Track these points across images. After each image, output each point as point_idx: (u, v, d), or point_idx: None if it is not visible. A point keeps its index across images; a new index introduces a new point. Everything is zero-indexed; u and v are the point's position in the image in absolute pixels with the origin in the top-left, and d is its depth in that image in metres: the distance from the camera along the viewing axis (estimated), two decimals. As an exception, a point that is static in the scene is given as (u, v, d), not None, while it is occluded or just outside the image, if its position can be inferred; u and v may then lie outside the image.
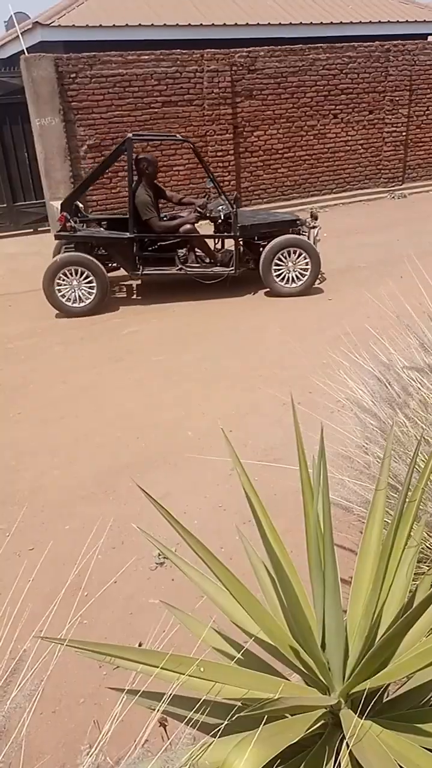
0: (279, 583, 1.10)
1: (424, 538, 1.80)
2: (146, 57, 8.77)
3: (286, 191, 10.41)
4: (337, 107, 10.32)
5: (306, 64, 9.82)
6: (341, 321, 4.84)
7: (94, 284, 5.90)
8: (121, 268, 6.32)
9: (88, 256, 5.92)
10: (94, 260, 5.90)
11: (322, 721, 1.09)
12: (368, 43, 10.25)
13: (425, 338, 2.49)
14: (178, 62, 8.96)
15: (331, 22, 10.91)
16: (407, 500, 1.22)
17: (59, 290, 5.91)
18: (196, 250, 6.36)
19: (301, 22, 10.73)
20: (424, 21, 11.79)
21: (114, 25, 10.05)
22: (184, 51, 8.96)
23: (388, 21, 11.32)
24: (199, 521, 3.06)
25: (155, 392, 4.44)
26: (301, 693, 1.13)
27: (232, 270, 6.18)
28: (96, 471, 3.52)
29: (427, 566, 1.53)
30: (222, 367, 4.77)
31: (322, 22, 10.85)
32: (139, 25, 9.89)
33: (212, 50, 9.12)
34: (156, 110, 9.03)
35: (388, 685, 1.17)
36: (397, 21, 11.42)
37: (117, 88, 8.70)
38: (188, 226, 6.18)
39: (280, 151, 10.16)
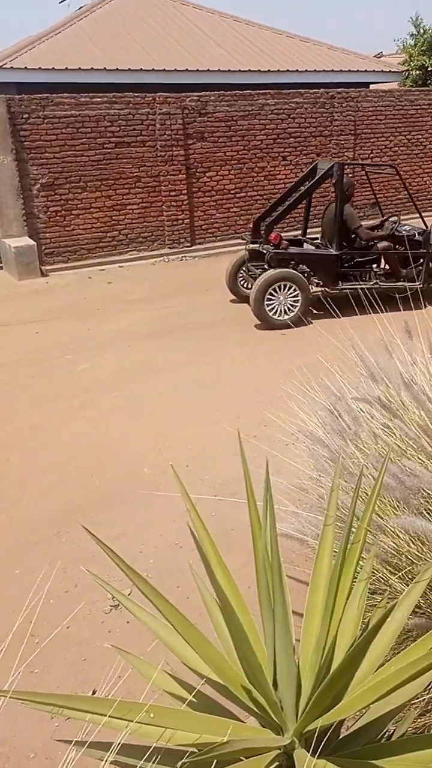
0: (227, 622, 1.08)
1: (376, 570, 1.81)
2: (99, 99, 8.94)
3: (238, 230, 10.64)
4: (286, 150, 10.70)
5: (255, 108, 10.18)
6: (293, 355, 4.93)
7: (299, 298, 6.31)
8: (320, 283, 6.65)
9: (298, 273, 6.35)
10: (302, 276, 6.34)
11: (276, 763, 1.06)
12: (314, 90, 10.72)
13: (375, 369, 2.54)
14: (131, 105, 9.16)
15: (279, 70, 11.39)
16: (352, 531, 1.23)
17: (269, 304, 6.26)
18: (386, 266, 6.76)
19: (249, 69, 11.17)
20: (366, 71, 12.44)
21: (66, 68, 10.24)
22: (136, 94, 9.17)
23: (332, 70, 11.89)
24: (155, 560, 3.00)
25: (112, 428, 4.38)
26: (254, 734, 1.11)
27: (420, 284, 6.62)
28: (48, 512, 3.43)
29: (382, 598, 1.54)
30: (178, 401, 4.76)
31: (269, 70, 11.31)
32: (92, 68, 10.09)
33: (164, 94, 9.37)
34: (109, 150, 9.17)
35: (343, 720, 1.16)
36: (341, 70, 12.01)
37: (70, 128, 8.81)
38: (386, 243, 6.66)
39: (232, 191, 10.42)
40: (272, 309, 6.30)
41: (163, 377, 5.25)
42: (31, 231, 8.96)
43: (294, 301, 6.33)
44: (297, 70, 11.56)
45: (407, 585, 1.61)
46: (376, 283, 6.57)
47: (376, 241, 6.71)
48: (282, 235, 6.54)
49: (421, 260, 6.76)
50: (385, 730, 1.18)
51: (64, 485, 3.69)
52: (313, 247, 6.93)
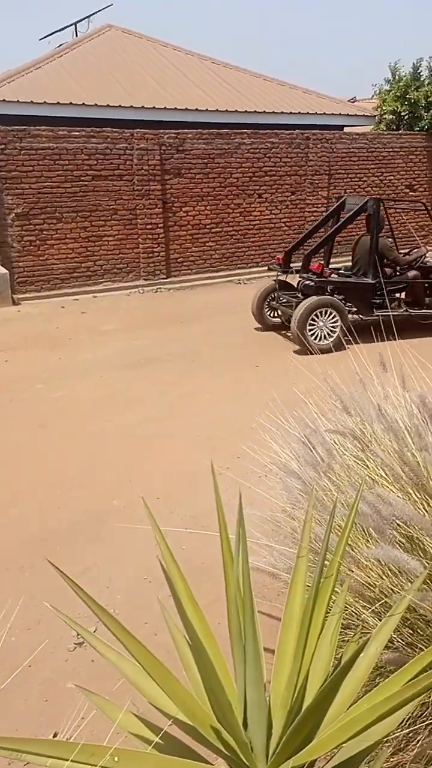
0: (196, 659, 1.03)
1: (349, 603, 1.78)
2: (77, 133, 9.05)
3: (214, 263, 10.77)
4: (262, 187, 10.94)
5: (232, 147, 10.42)
6: (268, 387, 4.94)
7: (337, 324, 6.61)
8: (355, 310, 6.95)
9: (337, 300, 6.65)
10: (341, 303, 6.65)
11: (246, 809, 1.01)
12: (289, 131, 11.04)
13: (348, 401, 2.55)
14: (109, 139, 9.30)
15: (255, 111, 11.71)
16: (325, 565, 1.21)
17: (311, 329, 6.53)
18: (409, 295, 7.19)
19: (227, 109, 11.46)
20: (340, 114, 12.88)
21: (45, 101, 10.37)
22: (114, 129, 9.32)
23: (308, 112, 12.28)
24: (123, 595, 2.92)
25: (81, 459, 4.30)
26: (223, 779, 1.06)
27: None
28: (12, 545, 3.32)
29: (354, 633, 1.50)
30: (151, 433, 4.71)
31: (246, 111, 11.63)
32: (71, 103, 10.24)
33: (142, 130, 9.55)
34: (86, 183, 9.26)
35: (315, 761, 1.11)
36: (315, 113, 12.41)
37: (47, 160, 8.89)
38: (415, 272, 7.07)
39: (207, 226, 10.57)
40: (313, 334, 6.58)
41: (136, 408, 5.20)
42: (4, 259, 8.93)
43: (333, 327, 6.65)
44: (273, 112, 11.91)
45: (380, 620, 1.59)
46: (406, 310, 7.00)
47: (407, 271, 7.14)
48: (323, 263, 6.99)
49: None
50: (359, 771, 1.13)
51: (30, 517, 3.59)
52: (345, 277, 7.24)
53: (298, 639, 1.09)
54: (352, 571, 1.74)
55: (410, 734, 1.70)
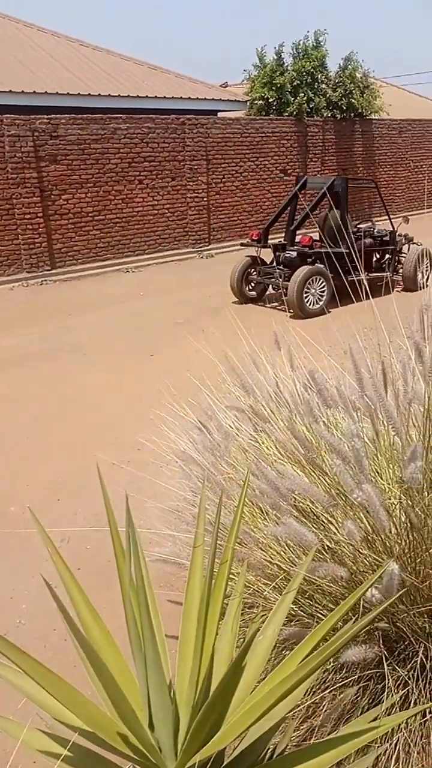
0: (92, 665, 1.01)
1: (252, 583, 1.82)
2: None
3: (99, 252, 10.53)
4: (141, 173, 10.80)
5: (108, 132, 10.18)
6: (164, 376, 4.93)
7: (325, 289, 7.44)
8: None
9: (324, 268, 7.40)
10: (327, 271, 7.37)
11: (161, 806, 1.01)
12: (165, 116, 10.95)
13: (246, 380, 2.58)
14: (-24, 126, 8.77)
15: (129, 95, 11.49)
16: (220, 548, 1.22)
17: (306, 296, 7.30)
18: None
19: (99, 94, 11.14)
20: (213, 99, 12.94)
21: None
22: (-19, 115, 8.80)
23: (181, 97, 12.22)
24: (28, 604, 2.82)
25: (-29, 468, 4.08)
26: (135, 781, 1.05)
27: (389, 273, 8.14)
28: None
29: (256, 613, 1.54)
30: (45, 432, 4.55)
31: (120, 95, 11.37)
32: None
33: (12, 116, 9.08)
34: None
35: (224, 750, 1.13)
36: (189, 97, 12.38)
37: None
38: (369, 240, 8.16)
39: (90, 214, 10.30)
40: (307, 300, 7.34)
41: (27, 407, 5.00)
42: None
43: (321, 293, 7.48)
44: (147, 96, 11.75)
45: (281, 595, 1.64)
46: (367, 273, 7.86)
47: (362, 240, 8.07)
48: (313, 237, 7.85)
49: (388, 255, 8.39)
50: (266, 748, 1.17)
51: None
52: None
53: (197, 630, 1.10)
54: (252, 551, 1.78)
55: (316, 701, 1.78)
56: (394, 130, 15.47)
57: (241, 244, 8.84)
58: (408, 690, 1.78)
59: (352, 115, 14.23)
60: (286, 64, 13.44)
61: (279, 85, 13.03)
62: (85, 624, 1.23)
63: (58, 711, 1.11)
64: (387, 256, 8.41)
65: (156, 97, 11.85)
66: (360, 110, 14.18)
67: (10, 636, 2.29)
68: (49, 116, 9.50)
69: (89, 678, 1.21)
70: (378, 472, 2.00)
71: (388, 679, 1.70)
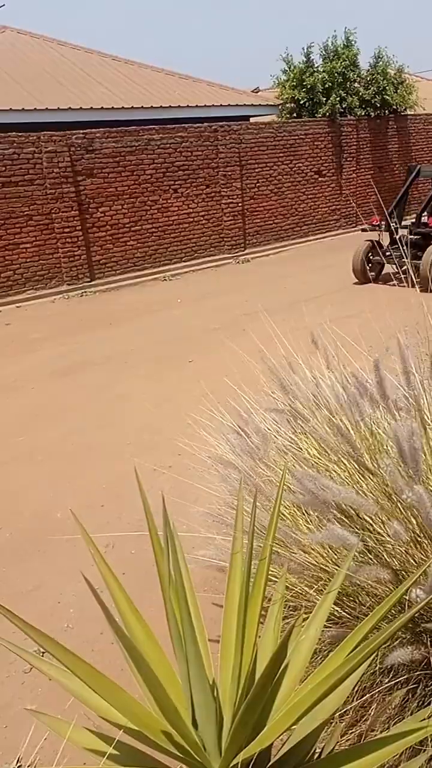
0: (136, 667, 1.03)
1: (294, 585, 1.81)
2: (-19, 140, 8.74)
3: (137, 262, 10.68)
4: (176, 182, 10.91)
5: (142, 144, 10.34)
6: (203, 381, 4.95)
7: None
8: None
9: None
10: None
11: (208, 805, 1.02)
12: (197, 125, 11.05)
13: (285, 381, 2.57)
14: (15, 144, 9.03)
15: (161, 106, 11.64)
16: (258, 550, 1.22)
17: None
18: None
19: (132, 106, 11.33)
20: (245, 105, 12.98)
21: None
22: (20, 133, 9.06)
23: (213, 105, 12.31)
24: (76, 609, 2.88)
25: (15, 476, 4.19)
26: (180, 780, 1.06)
27: None
28: None
29: (298, 614, 1.54)
30: (88, 440, 4.64)
31: (152, 106, 11.54)
32: (-29, 110, 9.87)
33: (49, 132, 9.32)
34: (-4, 191, 8.96)
35: (270, 747, 1.14)
36: (221, 104, 12.45)
37: None
38: None
39: (126, 225, 10.46)
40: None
41: (69, 416, 5.11)
42: None
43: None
44: (179, 106, 11.88)
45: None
46: None
47: None
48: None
49: None
50: (313, 749, 1.16)
51: (-29, 541, 3.47)
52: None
53: (237, 629, 1.10)
54: (293, 553, 1.78)
55: (365, 705, 1.76)
56: (431, 124, 15.20)
57: (362, 230, 9.51)
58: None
59: (387, 112, 14.05)
60: (316, 65, 13.37)
61: (309, 86, 12.97)
62: (129, 627, 1.25)
63: (104, 710, 1.14)
64: None
65: (188, 106, 11.98)
66: (395, 106, 13.98)
67: (58, 640, 2.34)
68: (85, 131, 9.71)
69: (135, 680, 1.23)
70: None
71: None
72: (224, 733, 1.08)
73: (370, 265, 8.81)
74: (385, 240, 8.81)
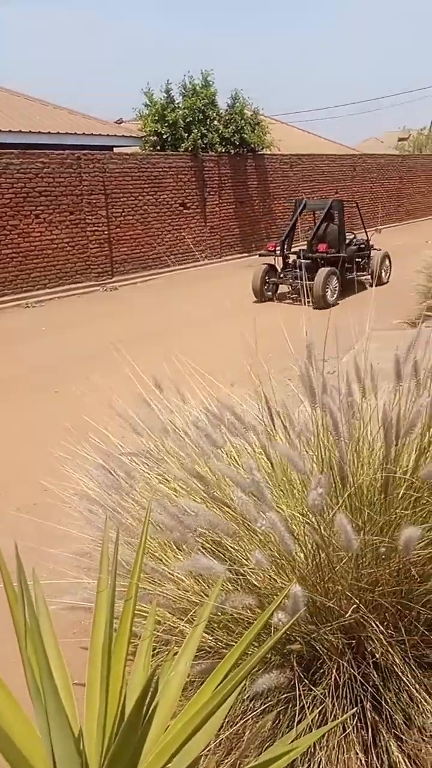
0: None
1: (165, 619, 1.80)
2: None
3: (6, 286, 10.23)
4: (38, 208, 10.65)
5: (0, 167, 9.99)
6: (65, 414, 4.80)
7: (336, 285, 9.30)
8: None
9: (336, 269, 9.43)
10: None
11: None
12: (59, 151, 10.91)
13: (136, 423, 2.56)
14: None
15: (20, 131, 11.37)
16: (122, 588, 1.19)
17: (325, 292, 8.99)
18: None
19: (-10, 129, 10.97)
20: (108, 135, 13.06)
21: None
22: None
23: (76, 133, 12.24)
24: None
25: None
26: None
27: (368, 274, 10.42)
28: None
29: (169, 648, 1.52)
30: None
31: (11, 130, 11.23)
32: None
33: None
34: None
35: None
36: (84, 133, 12.42)
37: None
38: (353, 247, 10.38)
39: (-15, 250, 10.00)
40: (325, 294, 8.93)
41: None
42: None
43: (334, 288, 9.24)
44: (40, 132, 11.67)
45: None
46: (357, 274, 9.92)
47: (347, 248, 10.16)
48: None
49: (365, 260, 10.52)
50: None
51: None
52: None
53: (101, 673, 1.07)
54: (162, 587, 1.76)
55: (238, 732, 1.77)
56: (286, 164, 16.27)
57: (259, 254, 11.09)
58: (324, 708, 1.81)
59: (245, 150, 14.82)
60: (176, 102, 13.79)
61: (171, 121, 13.34)
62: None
63: None
64: (364, 260, 10.56)
65: (49, 132, 11.80)
66: (252, 145, 14.79)
67: None
68: None
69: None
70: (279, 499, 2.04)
71: (303, 700, 1.72)
72: (90, 789, 1.03)
73: (266, 285, 9.85)
74: (279, 264, 10.10)
